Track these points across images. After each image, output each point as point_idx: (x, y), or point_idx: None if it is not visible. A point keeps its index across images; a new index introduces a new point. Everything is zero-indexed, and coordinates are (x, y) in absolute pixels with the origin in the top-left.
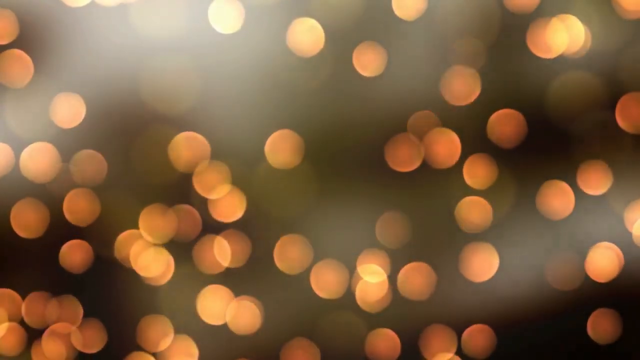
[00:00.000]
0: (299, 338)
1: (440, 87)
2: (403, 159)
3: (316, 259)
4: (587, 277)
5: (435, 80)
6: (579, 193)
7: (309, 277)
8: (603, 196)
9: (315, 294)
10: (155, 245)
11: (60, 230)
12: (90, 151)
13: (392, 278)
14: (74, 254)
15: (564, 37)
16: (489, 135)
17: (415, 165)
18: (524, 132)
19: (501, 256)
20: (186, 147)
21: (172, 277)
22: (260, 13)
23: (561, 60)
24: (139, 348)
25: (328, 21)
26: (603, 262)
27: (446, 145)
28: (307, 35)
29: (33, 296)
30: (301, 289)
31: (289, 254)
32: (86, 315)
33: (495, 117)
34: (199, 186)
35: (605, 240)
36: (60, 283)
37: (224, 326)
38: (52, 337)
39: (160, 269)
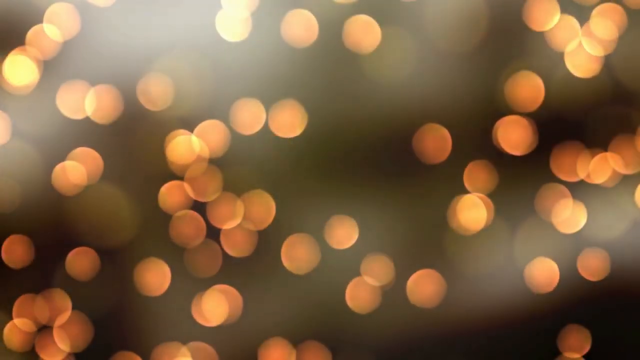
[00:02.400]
0: (309, 340)
1: (438, 86)
2: (401, 158)
3: (320, 259)
4: (582, 278)
5: (434, 79)
6: (578, 192)
7: (314, 277)
8: (605, 194)
9: (320, 295)
10: (155, 247)
11: (60, 231)
12: (88, 149)
13: (398, 279)
14: (74, 254)
15: (563, 35)
16: (487, 136)
17: (413, 164)
18: (523, 133)
19: (500, 256)
20: (185, 149)
21: (173, 280)
22: (261, 14)
23: (561, 57)
24: (135, 349)
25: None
26: (595, 261)
27: (439, 143)
28: (302, 29)
29: (29, 296)
30: (307, 290)
31: (295, 254)
32: (83, 314)
33: (497, 122)
34: (198, 189)
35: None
36: (56, 282)
37: (226, 327)
38: (50, 336)
39: (159, 277)
